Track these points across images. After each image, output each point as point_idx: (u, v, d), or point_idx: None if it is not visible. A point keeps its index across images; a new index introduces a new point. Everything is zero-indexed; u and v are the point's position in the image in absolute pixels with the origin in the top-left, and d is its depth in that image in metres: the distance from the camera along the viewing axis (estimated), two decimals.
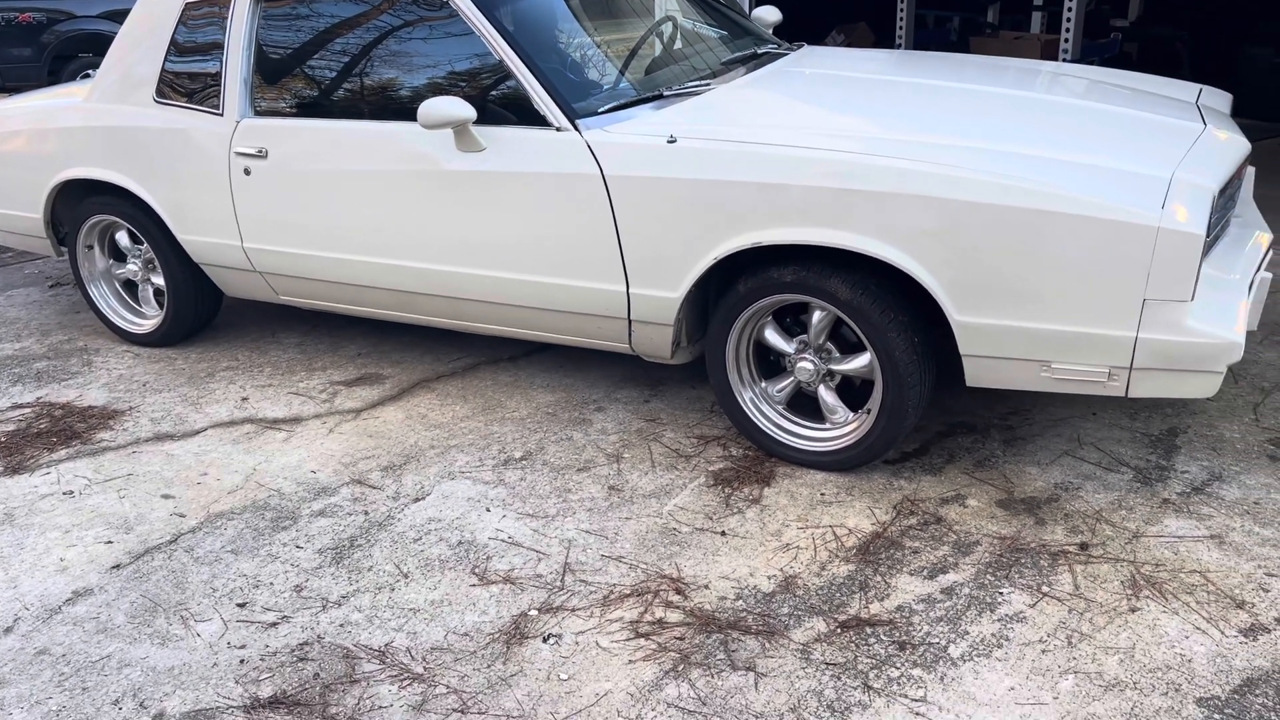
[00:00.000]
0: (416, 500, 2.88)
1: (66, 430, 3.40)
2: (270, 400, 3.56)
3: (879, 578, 2.44)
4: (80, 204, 3.99)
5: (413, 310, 3.44)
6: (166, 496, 2.97)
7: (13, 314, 4.63)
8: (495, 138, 3.03)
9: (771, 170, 2.65)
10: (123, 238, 4.02)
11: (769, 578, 2.46)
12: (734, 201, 2.70)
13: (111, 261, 4.14)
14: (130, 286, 4.19)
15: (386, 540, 2.70)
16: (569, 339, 3.21)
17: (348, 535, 2.73)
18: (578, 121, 2.95)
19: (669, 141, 2.80)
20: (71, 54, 8.88)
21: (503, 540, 2.67)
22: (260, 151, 3.43)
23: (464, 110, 2.94)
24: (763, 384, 2.98)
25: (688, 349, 3.10)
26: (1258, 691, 2.04)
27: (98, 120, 3.81)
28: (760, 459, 2.99)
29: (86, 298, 4.16)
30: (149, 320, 4.11)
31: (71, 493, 3.01)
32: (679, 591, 2.43)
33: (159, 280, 3.99)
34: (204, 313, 4.03)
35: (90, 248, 4.11)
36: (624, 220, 2.87)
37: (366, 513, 2.83)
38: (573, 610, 2.38)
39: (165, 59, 3.69)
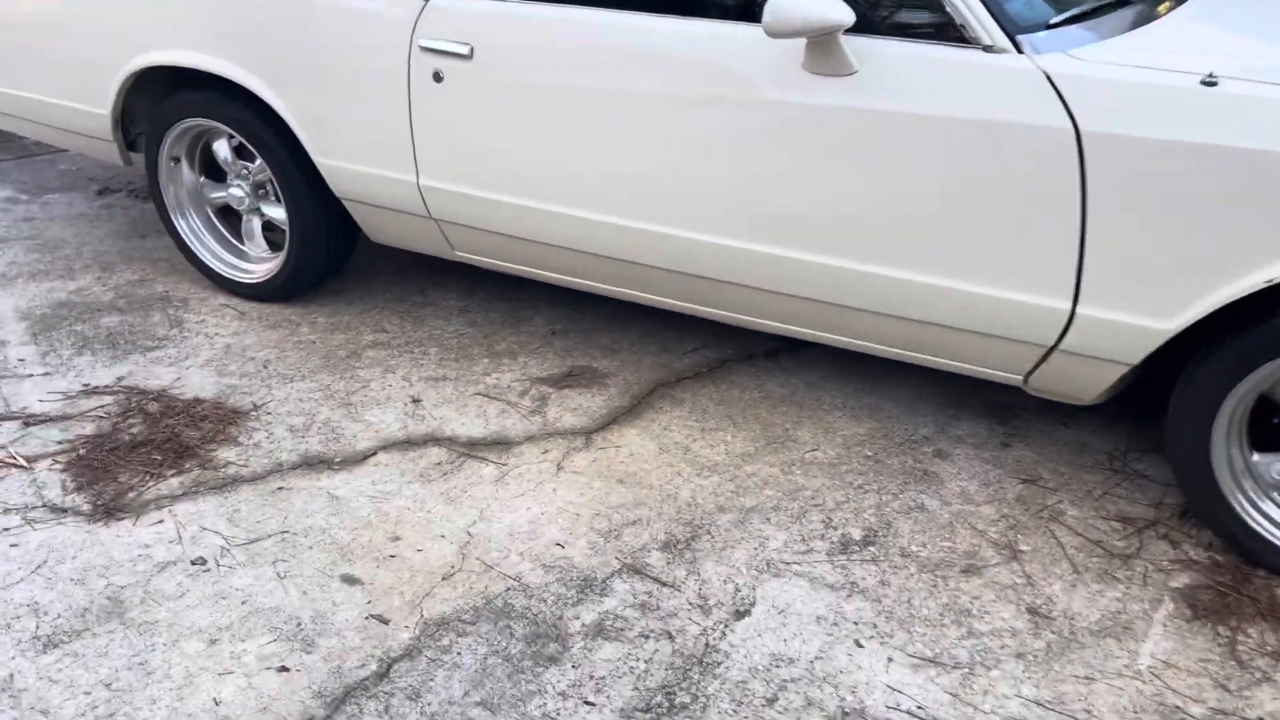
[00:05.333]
0: (739, 616, 1.90)
1: (172, 441, 2.38)
2: (454, 405, 2.54)
3: None
4: (165, 101, 2.88)
5: (648, 290, 2.41)
6: (350, 581, 1.98)
7: (54, 232, 3.54)
8: (874, 56, 1.95)
9: None
10: (222, 148, 2.93)
11: None
12: None
13: (203, 179, 3.06)
14: (227, 213, 3.11)
15: (723, 699, 1.73)
16: (898, 353, 2.21)
17: (657, 682, 1.76)
18: (1020, 39, 1.87)
19: (1204, 83, 1.73)
20: None
21: (911, 715, 1.71)
22: (461, 49, 2.33)
23: (840, 12, 1.85)
24: (1254, 457, 1.98)
25: (1111, 389, 2.10)
26: None
27: None
28: (1237, 568, 2.01)
29: (170, 228, 3.08)
30: (258, 266, 3.03)
31: (203, 561, 2.02)
32: None
33: (274, 212, 2.92)
34: (334, 260, 2.97)
35: (176, 160, 3.01)
36: (1100, 204, 1.82)
37: (670, 635, 1.85)
38: None
39: None
